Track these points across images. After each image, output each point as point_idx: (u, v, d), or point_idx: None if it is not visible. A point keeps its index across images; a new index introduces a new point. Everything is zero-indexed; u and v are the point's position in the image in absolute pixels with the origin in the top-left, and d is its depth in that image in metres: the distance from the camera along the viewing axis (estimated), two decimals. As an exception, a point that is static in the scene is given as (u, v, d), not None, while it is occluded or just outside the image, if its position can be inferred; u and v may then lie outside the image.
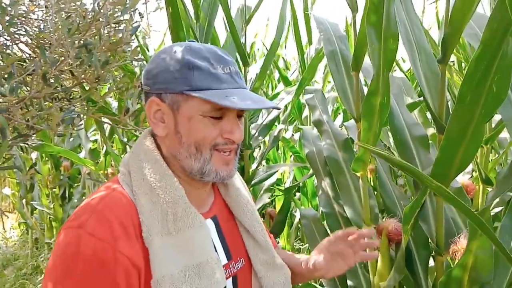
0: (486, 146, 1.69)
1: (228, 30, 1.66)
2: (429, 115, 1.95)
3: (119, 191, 0.76)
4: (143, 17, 1.44)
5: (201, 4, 1.78)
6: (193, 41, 0.83)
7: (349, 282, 1.23)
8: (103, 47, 1.32)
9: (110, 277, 0.67)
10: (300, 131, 2.55)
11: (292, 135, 2.88)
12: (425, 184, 0.58)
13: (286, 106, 1.95)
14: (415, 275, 1.09)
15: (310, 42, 2.54)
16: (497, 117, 1.74)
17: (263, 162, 2.97)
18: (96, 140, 3.61)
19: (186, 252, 0.73)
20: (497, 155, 1.90)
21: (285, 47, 4.15)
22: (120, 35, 1.33)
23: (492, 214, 1.52)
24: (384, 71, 1.04)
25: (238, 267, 0.83)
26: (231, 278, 0.82)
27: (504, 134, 1.74)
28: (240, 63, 1.70)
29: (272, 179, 2.20)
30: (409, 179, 1.15)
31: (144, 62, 2.20)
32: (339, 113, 2.95)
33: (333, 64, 1.27)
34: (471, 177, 1.79)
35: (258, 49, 4.45)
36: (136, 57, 1.40)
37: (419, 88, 2.45)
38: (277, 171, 2.07)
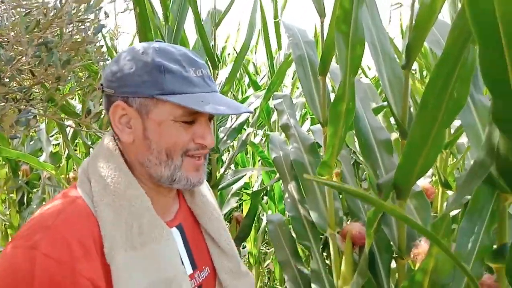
0: (445, 151, 1.76)
1: (198, 32, 1.64)
2: (392, 120, 2.00)
3: (78, 203, 0.70)
4: (108, 16, 1.39)
5: (171, 5, 1.75)
6: (159, 40, 0.79)
7: (313, 286, 1.23)
8: (65, 46, 1.26)
9: None
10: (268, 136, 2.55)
11: (262, 140, 2.87)
12: (376, 206, 0.57)
13: (255, 110, 1.94)
14: (377, 278, 1.10)
15: (279, 47, 2.56)
16: (456, 123, 1.81)
17: (232, 167, 2.94)
18: (58, 144, 3.46)
19: (152, 267, 0.68)
20: (455, 160, 1.97)
21: (256, 52, 4.17)
22: (84, 34, 1.27)
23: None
24: (350, 76, 1.05)
25: (203, 276, 0.81)
26: None
27: (462, 139, 1.81)
28: (210, 66, 1.68)
29: (240, 183, 2.18)
30: (373, 183, 1.16)
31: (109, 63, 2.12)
32: (307, 118, 2.98)
33: (300, 69, 1.28)
34: (431, 181, 1.85)
35: (229, 54, 4.44)
36: (101, 57, 1.34)
37: (384, 94, 2.53)
38: (244, 175, 2.05)
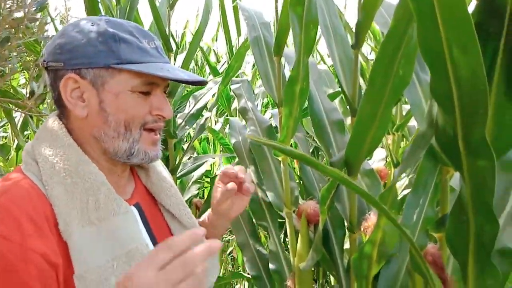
0: (397, 133, 1.83)
1: (152, 14, 1.59)
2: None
3: (23, 183, 0.67)
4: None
5: (123, -15, 1.68)
6: (104, 15, 0.77)
7: (271, 266, 1.25)
8: (4, 23, 1.18)
9: (21, 280, 0.59)
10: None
11: (223, 127, 2.86)
12: (325, 172, 0.58)
13: (213, 96, 1.92)
14: (332, 253, 1.14)
15: (239, 33, 2.54)
16: (406, 107, 1.89)
17: (195, 154, 2.91)
18: (7, 136, 3.25)
19: (112, 241, 0.67)
20: (407, 142, 2.06)
21: (217, 40, 4.13)
22: (24, 10, 1.20)
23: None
24: (304, 57, 1.06)
25: None
26: None
27: (413, 122, 1.90)
28: (166, 50, 1.64)
29: (201, 171, 2.16)
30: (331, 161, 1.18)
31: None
32: (269, 108, 3.00)
33: (256, 50, 1.28)
34: (385, 163, 1.92)
35: (187, 42, 4.36)
36: (44, 35, 1.27)
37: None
38: (205, 162, 2.04)
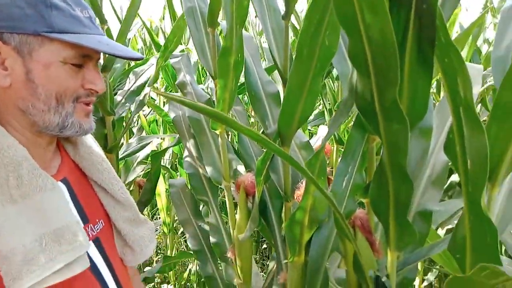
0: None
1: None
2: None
3: None
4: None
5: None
6: None
7: (211, 239, 1.25)
8: None
9: None
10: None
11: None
12: (231, 126, 0.58)
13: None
14: (269, 223, 1.16)
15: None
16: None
17: (143, 134, 2.83)
18: None
19: (38, 219, 0.64)
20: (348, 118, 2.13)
21: (164, 19, 3.98)
22: None
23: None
24: (237, 27, 1.04)
25: (97, 229, 0.78)
26: (91, 241, 0.75)
27: (354, 99, 1.95)
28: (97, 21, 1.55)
29: (146, 151, 2.10)
30: (266, 133, 1.19)
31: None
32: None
33: (191, 21, 1.24)
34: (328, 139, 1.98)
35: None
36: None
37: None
38: (150, 143, 1.99)
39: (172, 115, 1.48)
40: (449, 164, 1.01)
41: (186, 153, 1.38)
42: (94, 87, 0.71)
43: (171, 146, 1.98)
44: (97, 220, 0.79)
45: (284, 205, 1.09)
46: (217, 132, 1.19)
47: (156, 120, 3.05)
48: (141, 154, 2.08)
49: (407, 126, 0.72)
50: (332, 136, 1.94)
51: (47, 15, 0.64)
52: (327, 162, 1.93)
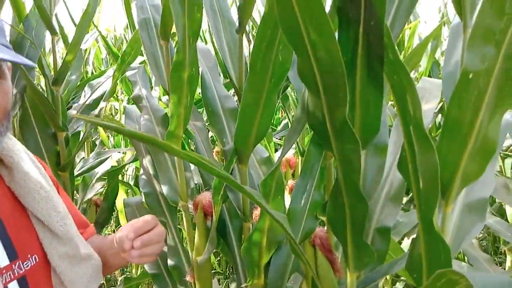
0: (302, 122, 1.87)
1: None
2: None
3: None
4: None
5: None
6: None
7: (169, 262, 1.19)
8: None
9: None
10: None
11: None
12: (165, 150, 0.55)
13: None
14: (229, 244, 1.12)
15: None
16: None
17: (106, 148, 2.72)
18: None
19: None
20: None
21: (128, 28, 3.88)
22: None
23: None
24: (190, 40, 1.01)
25: (27, 266, 0.72)
26: (15, 281, 0.69)
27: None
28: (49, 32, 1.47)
29: (105, 167, 2.01)
30: (223, 150, 1.15)
31: None
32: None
33: (145, 33, 1.19)
34: (294, 152, 1.97)
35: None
36: None
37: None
38: (108, 157, 1.90)
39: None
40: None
41: (142, 170, 1.31)
42: None
43: (129, 162, 1.90)
44: (28, 256, 0.73)
45: (243, 226, 1.05)
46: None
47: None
48: (100, 170, 1.98)
49: (359, 146, 0.70)
50: (297, 149, 1.93)
51: None
52: (292, 174, 1.91)
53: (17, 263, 0.70)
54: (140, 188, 1.27)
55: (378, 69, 0.70)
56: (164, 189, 1.16)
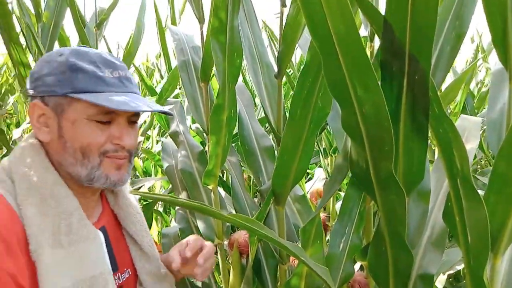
0: (334, 155, 1.87)
1: (77, 32, 1.50)
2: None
3: (0, 200, 0.69)
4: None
5: (46, 2, 1.59)
6: (83, 46, 0.82)
7: (204, 300, 1.20)
8: None
9: None
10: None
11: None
12: (218, 218, 0.58)
13: (145, 120, 1.85)
14: (264, 285, 1.11)
15: (179, 52, 2.48)
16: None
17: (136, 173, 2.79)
18: None
19: (78, 265, 0.71)
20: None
21: (160, 56, 4.02)
22: None
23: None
24: (230, 85, 1.04)
25: (124, 277, 0.83)
26: None
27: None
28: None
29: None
30: (260, 189, 1.16)
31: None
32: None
33: (185, 75, 1.24)
34: (324, 183, 1.95)
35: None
36: None
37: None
38: (141, 186, 1.95)
39: (165, 164, 1.45)
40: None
41: (177, 206, 1.34)
42: (120, 142, 0.75)
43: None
44: (125, 269, 0.83)
45: (279, 267, 1.05)
46: (210, 187, 1.16)
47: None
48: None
49: (404, 197, 0.70)
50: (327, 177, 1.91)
51: (73, 79, 0.72)
52: (324, 208, 1.89)
53: (117, 275, 0.81)
54: (176, 223, 1.29)
55: (422, 121, 0.70)
56: (200, 226, 1.18)
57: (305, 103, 0.87)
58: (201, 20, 1.18)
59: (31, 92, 0.77)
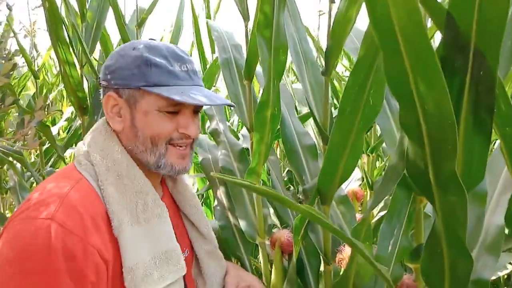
0: (372, 155, 1.82)
1: (119, 32, 1.54)
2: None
3: (83, 182, 0.76)
4: (10, 9, 1.25)
5: (90, 2, 1.63)
6: (153, 39, 0.86)
7: (244, 297, 1.19)
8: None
9: (79, 271, 0.66)
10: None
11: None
12: (291, 208, 0.57)
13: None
14: (306, 284, 1.10)
15: (213, 51, 2.50)
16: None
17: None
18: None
19: (155, 241, 0.77)
20: (382, 163, 2.06)
21: (191, 55, 4.06)
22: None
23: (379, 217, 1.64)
24: (274, 81, 1.03)
25: (184, 257, 0.86)
26: None
27: (388, 142, 1.89)
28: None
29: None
30: (304, 188, 1.15)
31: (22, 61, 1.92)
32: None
33: (227, 73, 1.24)
34: (360, 184, 1.91)
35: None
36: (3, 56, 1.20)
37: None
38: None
39: (200, 158, 1.45)
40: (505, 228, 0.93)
41: (216, 201, 1.34)
42: (186, 131, 0.81)
43: (203, 191, 1.95)
44: (184, 249, 0.89)
45: (324, 267, 1.03)
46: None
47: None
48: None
49: (465, 199, 0.67)
50: (365, 181, 1.87)
51: (147, 73, 0.78)
52: (359, 208, 1.85)
53: None
54: (216, 220, 1.29)
55: (486, 120, 0.67)
56: (242, 224, 1.18)
57: (355, 100, 0.85)
58: (245, 17, 1.18)
59: (105, 83, 0.82)
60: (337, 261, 0.97)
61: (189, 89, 0.79)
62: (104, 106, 0.82)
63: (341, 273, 0.93)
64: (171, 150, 0.81)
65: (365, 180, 1.82)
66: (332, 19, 0.94)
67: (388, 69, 0.63)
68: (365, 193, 1.86)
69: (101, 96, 0.84)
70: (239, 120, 2.99)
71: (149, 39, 0.86)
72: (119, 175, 0.77)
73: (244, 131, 1.56)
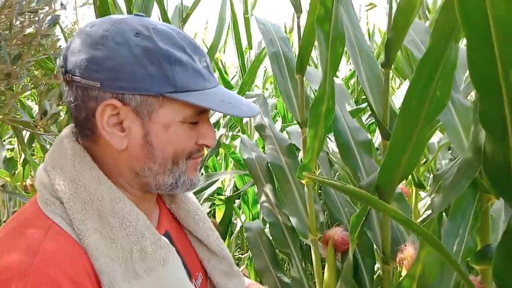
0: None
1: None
2: (365, 121, 1.99)
3: (54, 229, 0.56)
4: (65, 7, 1.28)
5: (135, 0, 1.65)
6: (140, 14, 0.62)
7: (295, 295, 1.18)
8: (15, 39, 1.14)
9: None
10: (236, 138, 2.47)
11: (231, 142, 2.80)
12: (375, 207, 0.55)
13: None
14: (361, 284, 1.07)
15: (250, 46, 2.49)
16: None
17: (202, 170, 2.86)
18: (13, 149, 3.21)
19: None
20: (427, 160, 1.99)
21: (224, 52, 4.07)
22: (37, 26, 1.16)
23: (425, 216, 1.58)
24: (330, 74, 1.01)
25: (198, 284, 0.73)
26: None
27: (433, 139, 1.82)
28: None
29: (212, 188, 2.10)
30: (360, 185, 1.12)
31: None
32: (277, 120, 2.94)
33: (276, 67, 1.22)
34: (405, 181, 1.85)
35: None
36: (57, 53, 1.23)
37: (355, 95, 2.53)
38: (217, 180, 1.98)
39: (244, 155, 1.44)
40: None
41: (263, 198, 1.33)
42: (207, 142, 0.64)
43: (246, 187, 1.94)
44: (197, 274, 0.73)
45: (382, 267, 1.00)
46: (303, 181, 1.14)
47: (217, 152, 3.06)
48: (207, 191, 2.07)
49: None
50: (411, 178, 1.81)
51: (170, 74, 0.57)
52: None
53: (193, 282, 0.70)
54: (264, 217, 1.28)
55: None
56: (293, 221, 1.16)
57: (421, 93, 0.81)
58: (298, 9, 1.15)
59: (94, 84, 0.57)
60: (398, 260, 0.93)
61: (218, 93, 0.62)
62: (99, 118, 0.58)
63: (402, 273, 0.89)
64: (190, 165, 0.64)
65: (410, 177, 1.76)
66: (393, 10, 0.90)
67: (473, 61, 0.59)
68: (410, 190, 1.80)
69: (69, 96, 0.60)
70: (272, 117, 2.98)
71: (135, 14, 0.62)
72: (101, 214, 0.57)
73: (290, 128, 1.53)
